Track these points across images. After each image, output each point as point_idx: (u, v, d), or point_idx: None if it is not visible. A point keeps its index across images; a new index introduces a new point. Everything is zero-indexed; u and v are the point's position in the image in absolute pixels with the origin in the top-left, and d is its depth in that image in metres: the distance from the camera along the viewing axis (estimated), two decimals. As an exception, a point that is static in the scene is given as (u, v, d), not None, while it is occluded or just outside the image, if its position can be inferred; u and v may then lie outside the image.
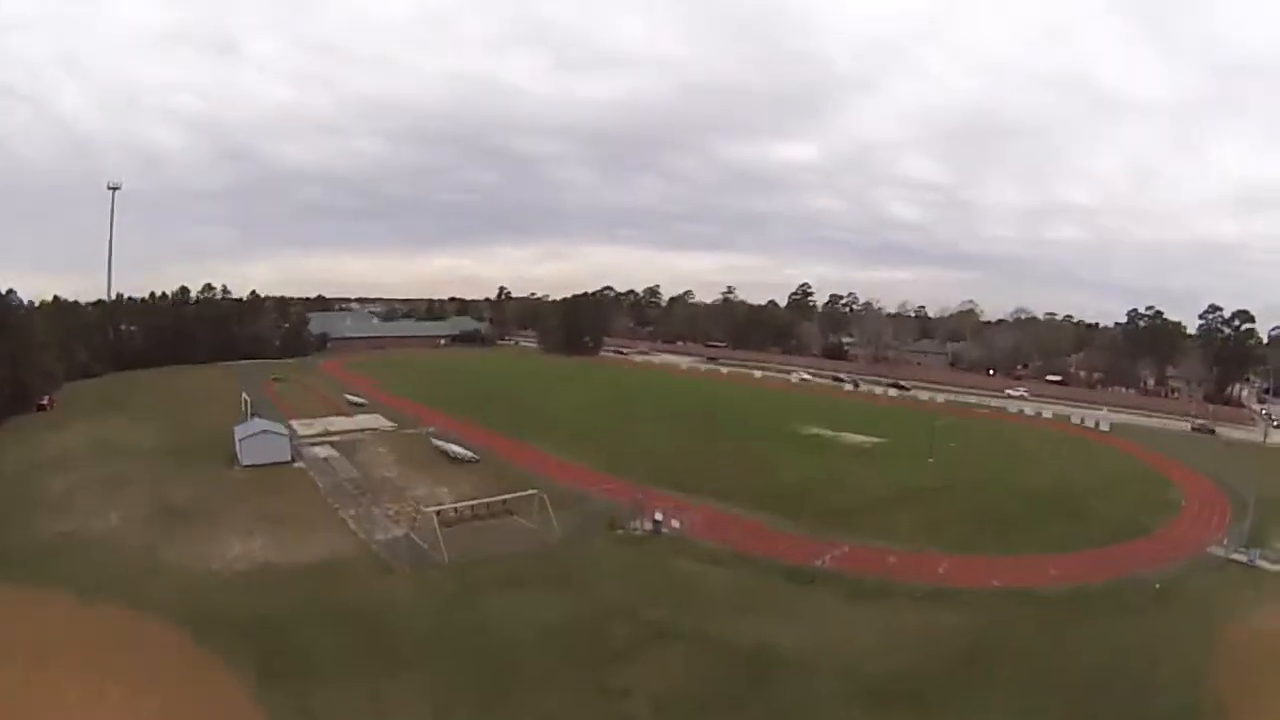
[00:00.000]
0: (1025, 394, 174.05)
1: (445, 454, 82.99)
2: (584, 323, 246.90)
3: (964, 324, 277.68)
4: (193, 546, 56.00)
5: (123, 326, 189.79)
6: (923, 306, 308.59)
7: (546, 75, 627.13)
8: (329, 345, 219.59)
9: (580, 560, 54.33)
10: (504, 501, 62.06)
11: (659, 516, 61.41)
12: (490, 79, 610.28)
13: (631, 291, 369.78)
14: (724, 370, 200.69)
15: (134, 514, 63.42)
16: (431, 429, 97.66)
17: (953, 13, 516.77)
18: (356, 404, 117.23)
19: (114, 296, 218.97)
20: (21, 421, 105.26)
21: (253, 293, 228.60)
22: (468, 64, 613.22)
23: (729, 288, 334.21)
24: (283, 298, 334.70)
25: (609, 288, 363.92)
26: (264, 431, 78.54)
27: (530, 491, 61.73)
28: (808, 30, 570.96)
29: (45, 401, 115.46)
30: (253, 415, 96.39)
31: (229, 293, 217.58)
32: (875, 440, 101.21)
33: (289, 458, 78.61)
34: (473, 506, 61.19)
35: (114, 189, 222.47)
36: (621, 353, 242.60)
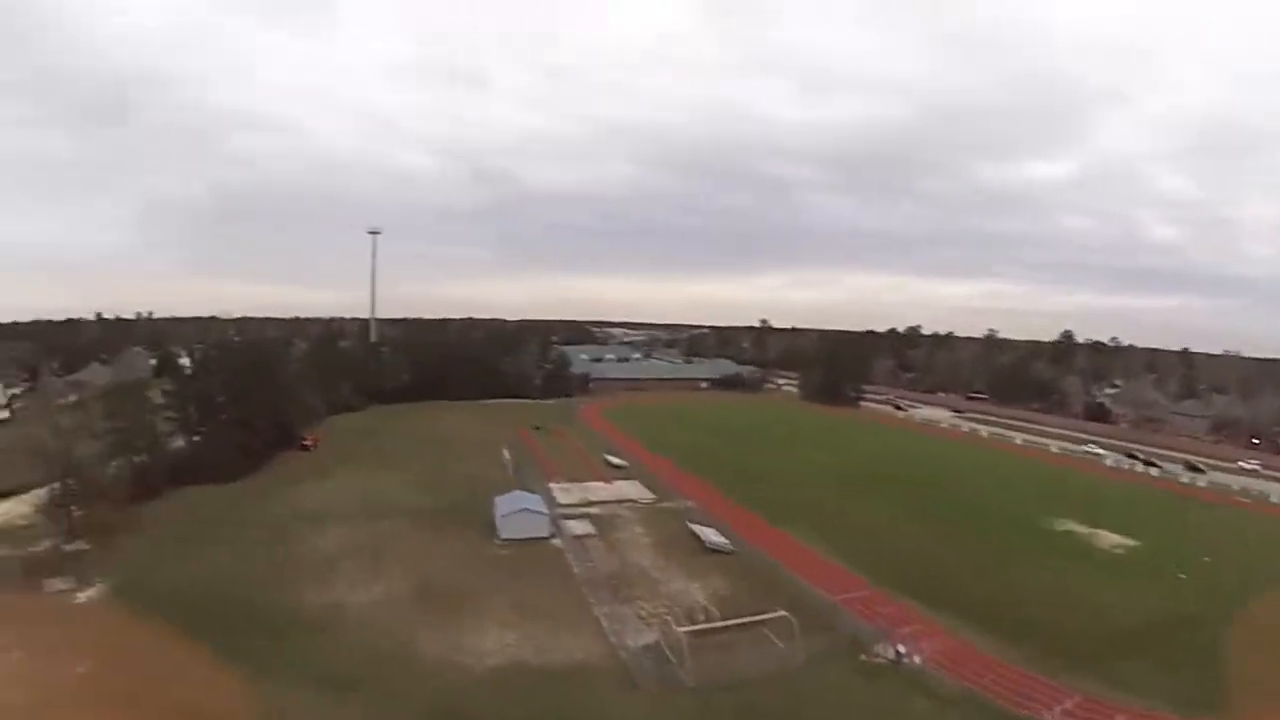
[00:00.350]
0: (1259, 468, 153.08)
1: (700, 540, 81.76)
2: (844, 369, 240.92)
3: (1228, 372, 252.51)
4: (449, 635, 58.09)
5: (384, 350, 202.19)
6: (1186, 348, 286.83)
7: (790, 99, 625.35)
8: (590, 386, 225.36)
9: (820, 692, 51.70)
10: (755, 620, 60.04)
11: (901, 648, 57.64)
12: (733, 103, 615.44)
13: (892, 330, 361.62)
14: (984, 432, 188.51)
15: (394, 589, 66.87)
16: (689, 504, 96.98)
17: (1200, 17, 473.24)
18: (616, 466, 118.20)
19: (376, 336, 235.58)
20: (287, 459, 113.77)
21: (517, 324, 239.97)
22: (710, 89, 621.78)
23: (990, 330, 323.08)
24: (543, 321, 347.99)
25: (870, 331, 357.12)
26: (524, 510, 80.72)
27: (779, 613, 59.32)
28: (1052, 43, 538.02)
29: (309, 441, 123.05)
30: (515, 477, 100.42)
31: (493, 319, 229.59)
32: (1130, 543, 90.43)
33: (547, 534, 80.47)
34: (725, 625, 59.48)
35: (374, 234, 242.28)
36: (899, 406, 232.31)
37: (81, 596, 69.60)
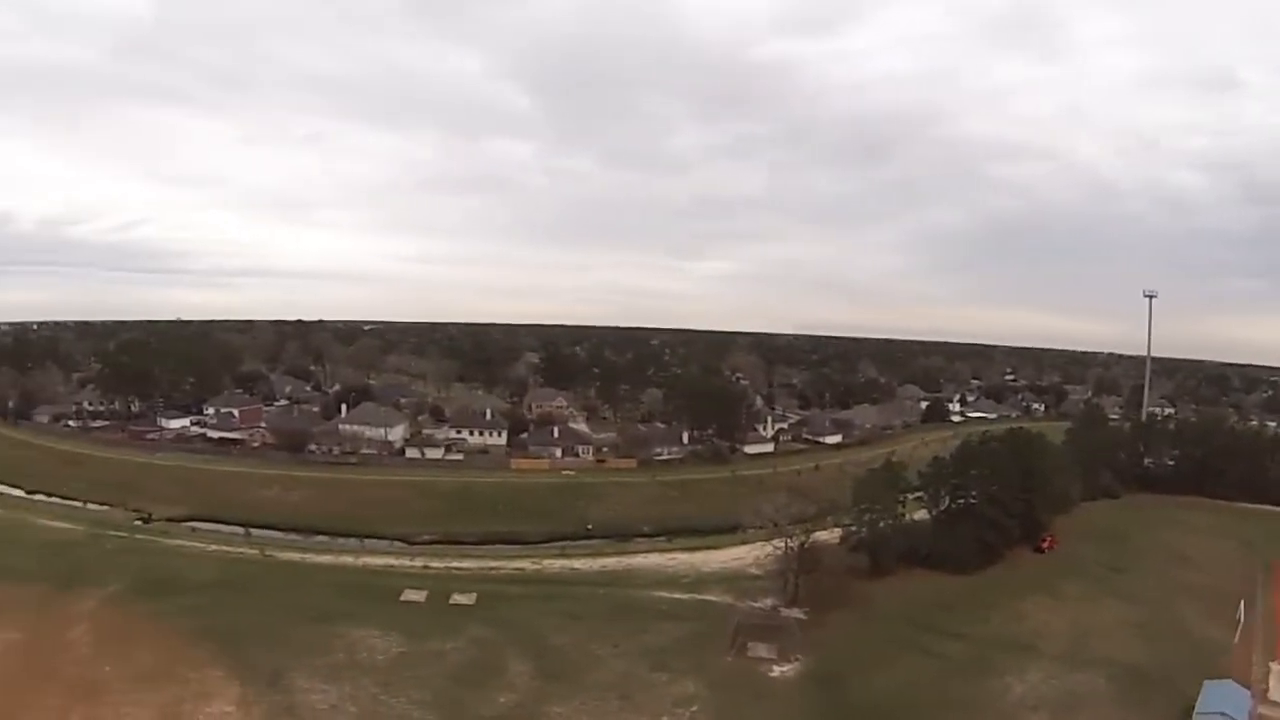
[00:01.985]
0: None
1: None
2: None
3: None
4: None
5: (1155, 424, 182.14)
6: None
7: None
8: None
9: None
10: None
11: None
12: None
13: None
14: None
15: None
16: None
17: None
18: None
19: (1148, 412, 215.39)
20: (1020, 559, 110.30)
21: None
22: None
23: None
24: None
25: None
26: (1222, 714, 67.46)
27: None
28: None
29: (1045, 543, 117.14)
30: (1238, 644, 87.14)
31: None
32: None
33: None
34: None
35: (1150, 297, 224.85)
36: None
37: (776, 671, 78.40)
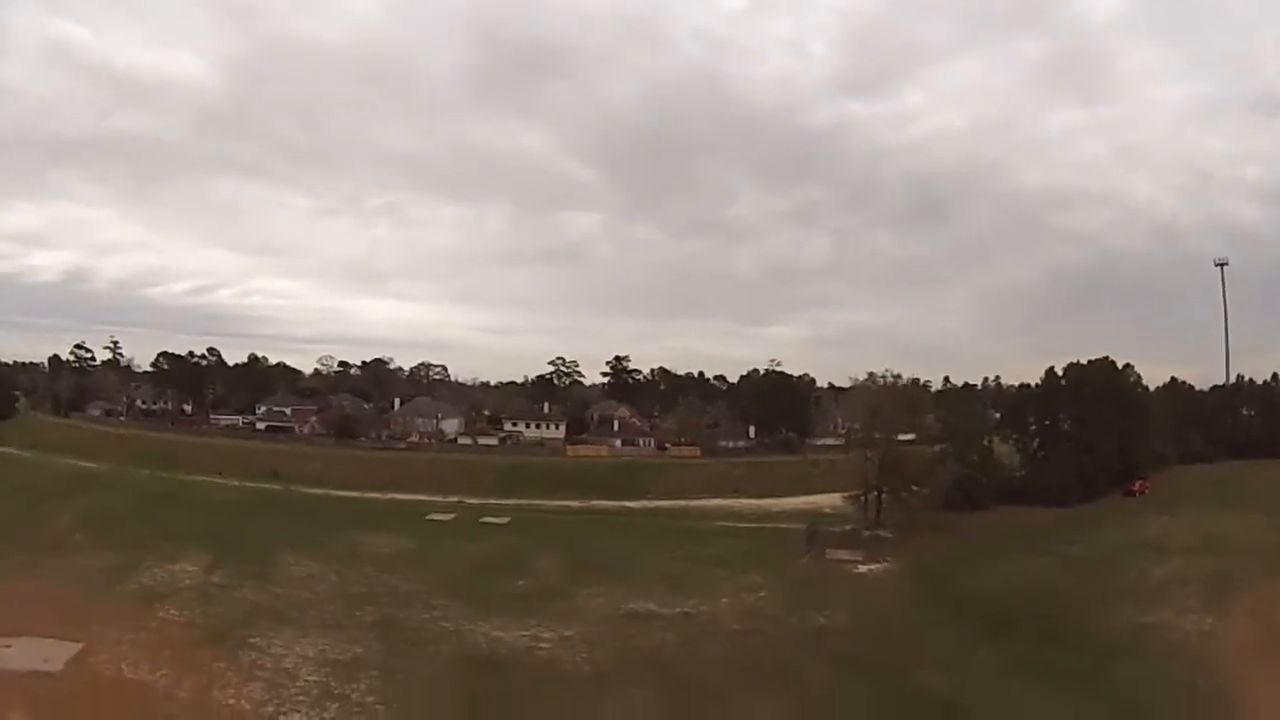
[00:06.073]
0: None
1: None
2: None
3: None
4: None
5: (1243, 411, 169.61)
6: None
7: None
8: None
9: None
10: None
11: None
12: None
13: None
14: None
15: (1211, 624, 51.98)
16: None
17: None
18: None
19: (1232, 378, 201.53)
20: (1117, 500, 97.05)
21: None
22: None
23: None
24: None
25: None
26: None
27: None
28: None
29: (1136, 487, 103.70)
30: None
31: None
32: None
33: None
34: None
35: (1221, 265, 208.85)
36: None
37: (862, 568, 67.75)
